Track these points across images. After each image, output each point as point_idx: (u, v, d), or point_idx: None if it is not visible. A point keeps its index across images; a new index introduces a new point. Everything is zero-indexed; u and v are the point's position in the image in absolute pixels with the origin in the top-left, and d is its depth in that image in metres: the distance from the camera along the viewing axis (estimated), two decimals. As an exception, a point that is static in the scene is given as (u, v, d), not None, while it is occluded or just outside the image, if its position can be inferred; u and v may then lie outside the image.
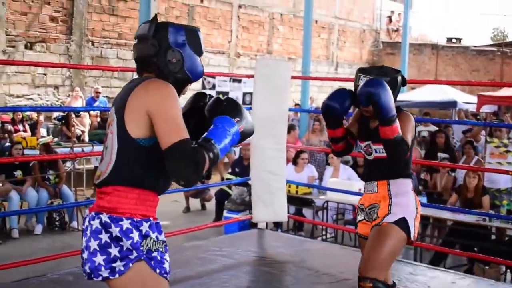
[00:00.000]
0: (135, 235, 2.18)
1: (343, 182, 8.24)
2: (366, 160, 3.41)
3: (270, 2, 18.97)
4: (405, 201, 3.20)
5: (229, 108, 2.30)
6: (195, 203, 10.43)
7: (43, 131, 11.57)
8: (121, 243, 2.16)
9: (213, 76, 14.58)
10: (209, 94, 2.56)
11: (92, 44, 14.05)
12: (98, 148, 10.43)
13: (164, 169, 2.19)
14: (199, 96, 2.59)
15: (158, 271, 2.23)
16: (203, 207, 10.39)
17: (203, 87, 13.70)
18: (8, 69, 12.55)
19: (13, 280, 4.56)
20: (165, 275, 2.28)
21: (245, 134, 2.35)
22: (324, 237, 8.22)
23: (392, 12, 25.34)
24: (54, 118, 12.05)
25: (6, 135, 10.29)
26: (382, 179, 3.25)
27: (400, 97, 17.04)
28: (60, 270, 4.84)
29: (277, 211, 5.92)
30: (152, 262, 2.22)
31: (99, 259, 2.17)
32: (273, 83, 5.74)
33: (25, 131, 11.01)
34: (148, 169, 2.26)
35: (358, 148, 3.44)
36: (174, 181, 2.22)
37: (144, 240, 2.20)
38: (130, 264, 2.17)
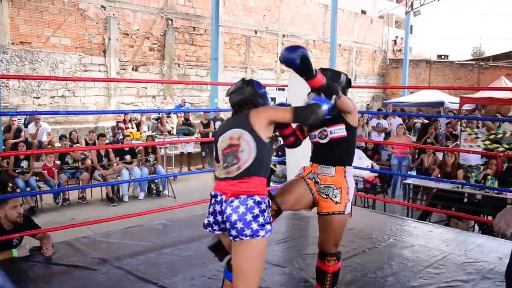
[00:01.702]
0: (267, 209, 2.43)
1: (356, 161, 8.20)
2: (319, 144, 2.91)
3: (305, 32, 18.90)
4: (352, 184, 2.91)
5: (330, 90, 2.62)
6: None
7: (145, 128, 11.86)
8: (264, 214, 2.37)
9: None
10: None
11: (178, 65, 14.32)
12: (183, 138, 10.71)
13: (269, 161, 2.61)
14: None
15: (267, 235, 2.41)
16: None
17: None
18: (121, 85, 12.96)
19: (125, 227, 4.80)
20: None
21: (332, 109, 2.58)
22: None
23: (397, 36, 24.91)
24: (153, 118, 12.32)
25: (120, 131, 10.57)
26: (339, 165, 2.86)
27: (402, 99, 16.88)
28: (154, 221, 5.03)
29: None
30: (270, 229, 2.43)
31: (254, 225, 2.30)
32: (301, 90, 5.78)
33: (132, 128, 11.28)
34: (268, 162, 2.54)
35: (311, 137, 2.96)
36: (303, 124, 2.91)
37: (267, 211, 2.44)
38: (267, 232, 2.35)
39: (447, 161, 7.32)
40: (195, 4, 14.75)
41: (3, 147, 8.64)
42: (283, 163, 8.27)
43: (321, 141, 2.91)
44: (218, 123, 11.18)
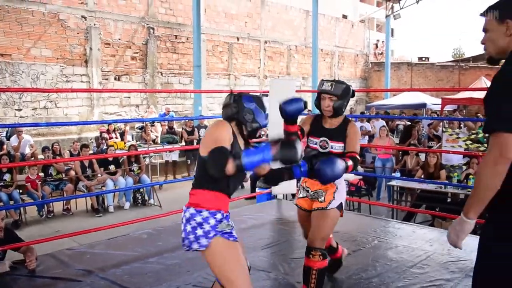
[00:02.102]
0: (212, 221, 2.40)
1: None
2: (317, 151, 3.09)
3: (287, 37, 19.01)
4: (342, 188, 3.09)
5: (276, 144, 2.32)
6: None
7: (129, 137, 11.80)
8: (203, 226, 2.39)
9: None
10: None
11: (161, 74, 14.30)
12: (167, 147, 10.65)
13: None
14: None
15: (231, 239, 2.42)
16: (242, 186, 10.42)
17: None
18: (103, 95, 12.90)
19: (109, 238, 4.77)
20: (236, 239, 2.45)
21: (282, 159, 2.33)
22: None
23: (378, 40, 25.15)
24: (137, 128, 12.27)
25: (104, 141, 10.51)
26: None
27: (385, 101, 17.02)
28: (139, 231, 5.01)
29: (288, 186, 5.97)
30: (225, 236, 2.41)
31: (191, 237, 2.41)
32: (282, 96, 5.80)
33: (116, 137, 11.22)
34: (207, 179, 2.45)
35: (311, 142, 3.14)
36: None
37: (219, 224, 2.41)
38: (210, 240, 2.37)
39: (429, 162, 7.40)
40: (177, 12, 14.76)
41: (-15, 161, 8.53)
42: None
43: (320, 150, 3.08)
44: (202, 131, 11.18)
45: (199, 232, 2.37)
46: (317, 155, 3.05)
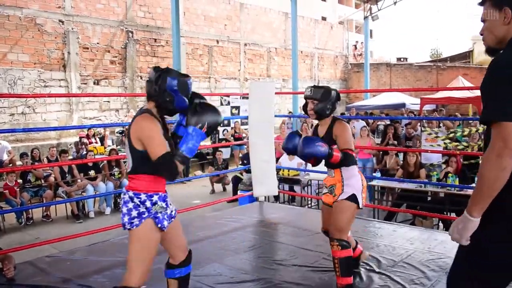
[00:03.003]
0: (148, 203, 2.52)
1: (321, 165, 8.29)
2: None
3: (267, 39, 19.04)
4: (353, 181, 3.27)
5: (192, 117, 2.54)
6: (218, 186, 10.43)
7: (109, 142, 11.70)
8: (139, 208, 2.51)
9: (228, 95, 14.61)
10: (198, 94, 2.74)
11: (141, 78, 14.19)
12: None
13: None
14: None
15: (159, 225, 2.54)
16: (224, 189, 10.44)
17: (221, 103, 13.73)
18: (82, 99, 12.76)
19: (89, 244, 4.72)
20: (163, 227, 2.55)
21: (211, 129, 2.57)
22: (309, 205, 8.27)
23: (357, 41, 25.35)
24: (117, 132, 12.17)
25: (83, 146, 10.41)
26: (336, 168, 3.28)
27: (365, 102, 17.12)
28: (120, 236, 4.96)
29: (270, 188, 6.00)
30: (156, 220, 2.53)
31: (126, 218, 2.51)
32: (262, 98, 5.81)
33: (96, 142, 11.12)
34: (151, 165, 2.50)
35: None
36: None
37: (153, 206, 2.53)
38: (143, 221, 2.50)
39: (409, 161, 7.47)
40: (155, 16, 14.68)
41: (-39, 168, 8.37)
42: (249, 171, 8.28)
43: None
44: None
45: (134, 213, 2.49)
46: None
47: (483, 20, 1.89)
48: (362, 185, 3.36)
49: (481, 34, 1.91)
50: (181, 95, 2.54)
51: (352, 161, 3.27)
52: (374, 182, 7.71)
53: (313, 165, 3.43)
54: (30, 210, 7.96)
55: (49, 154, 9.15)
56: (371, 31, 25.20)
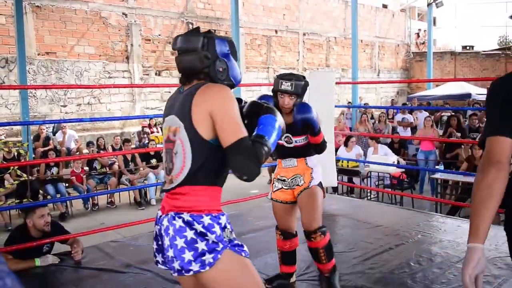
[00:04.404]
0: (217, 229, 1.77)
1: (381, 157, 8.13)
2: (284, 146, 3.14)
3: (326, 29, 18.79)
4: (318, 170, 3.19)
5: (269, 109, 1.90)
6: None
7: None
8: (206, 238, 1.74)
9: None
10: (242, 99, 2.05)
11: (200, 68, 14.38)
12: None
13: (225, 165, 1.82)
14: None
15: (243, 254, 1.82)
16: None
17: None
18: (145, 90, 13.12)
19: (151, 230, 4.85)
20: (248, 256, 1.84)
21: (283, 130, 1.93)
22: (369, 198, 8.13)
23: (420, 29, 24.56)
24: (177, 122, 12.38)
25: (145, 135, 10.69)
26: (300, 157, 3.14)
27: (427, 92, 16.60)
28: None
29: (330, 179, 5.93)
30: (236, 249, 1.80)
31: (188, 255, 1.72)
32: (322, 88, 5.74)
33: (158, 132, 11.39)
34: (219, 167, 1.82)
35: None
36: (237, 176, 1.74)
37: (224, 232, 1.79)
38: (219, 255, 1.73)
39: (475, 154, 7.18)
40: (215, 6, 14.82)
41: (33, 156, 8.84)
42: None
43: (286, 144, 3.15)
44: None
45: (201, 246, 1.73)
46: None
47: None
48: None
49: None
50: (234, 61, 1.97)
51: (310, 152, 3.19)
52: (437, 175, 7.46)
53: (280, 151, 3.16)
54: (95, 196, 8.32)
55: (114, 143, 9.49)
56: (434, 18, 24.26)
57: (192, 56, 1.88)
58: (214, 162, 1.80)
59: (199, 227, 1.74)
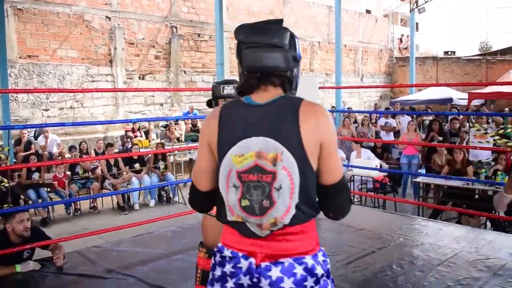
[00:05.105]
0: (326, 266, 1.56)
1: (364, 161, 8.19)
2: None
3: (310, 33, 18.89)
4: None
5: None
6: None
7: (153, 136, 11.90)
8: (323, 279, 1.53)
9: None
10: None
11: (184, 72, 14.39)
12: (191, 145, 10.67)
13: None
14: None
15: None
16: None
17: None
18: (128, 94, 13.05)
19: (135, 235, 4.83)
20: None
21: None
22: (352, 202, 8.11)
23: (402, 35, 24.78)
24: (161, 126, 12.36)
25: (129, 140, 10.61)
26: None
27: (410, 96, 16.78)
28: (164, 228, 5.05)
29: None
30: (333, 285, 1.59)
31: None
32: (306, 93, 5.75)
33: (141, 136, 11.33)
34: (315, 196, 1.56)
35: None
36: (331, 216, 1.60)
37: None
38: None
39: (456, 158, 7.27)
40: (199, 11, 14.82)
41: (15, 160, 8.73)
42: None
43: None
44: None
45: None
46: None
47: None
48: None
49: None
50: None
51: None
52: (419, 179, 7.54)
53: None
54: (78, 201, 8.24)
55: (96, 147, 9.41)
56: (417, 24, 24.55)
57: (277, 53, 1.54)
58: (314, 192, 1.54)
59: (319, 271, 1.50)
